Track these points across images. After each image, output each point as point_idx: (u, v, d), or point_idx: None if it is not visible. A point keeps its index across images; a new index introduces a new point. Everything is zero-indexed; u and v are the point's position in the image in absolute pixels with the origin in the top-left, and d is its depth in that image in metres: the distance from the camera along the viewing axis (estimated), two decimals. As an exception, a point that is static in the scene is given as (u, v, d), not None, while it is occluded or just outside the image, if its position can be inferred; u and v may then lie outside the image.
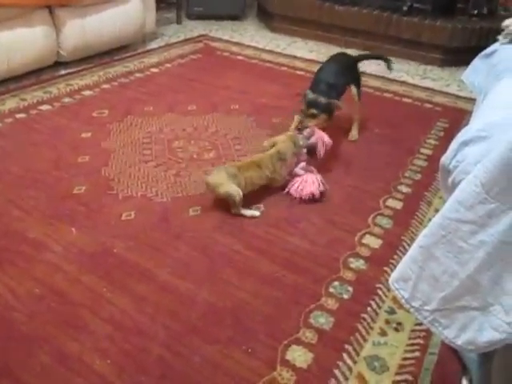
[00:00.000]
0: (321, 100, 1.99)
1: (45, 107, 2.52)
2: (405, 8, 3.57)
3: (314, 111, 2.00)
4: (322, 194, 1.85)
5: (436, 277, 0.89)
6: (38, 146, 2.15)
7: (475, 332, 0.85)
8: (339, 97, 2.15)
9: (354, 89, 2.34)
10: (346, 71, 2.26)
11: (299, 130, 2.00)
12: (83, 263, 1.52)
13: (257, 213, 1.76)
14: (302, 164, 1.91)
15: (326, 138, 1.94)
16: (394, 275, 0.98)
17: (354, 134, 2.37)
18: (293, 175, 1.90)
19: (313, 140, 1.92)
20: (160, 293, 1.42)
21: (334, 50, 3.74)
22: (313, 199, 1.84)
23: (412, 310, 0.94)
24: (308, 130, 1.94)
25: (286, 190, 1.88)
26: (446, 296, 0.88)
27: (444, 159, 1.30)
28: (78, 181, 1.92)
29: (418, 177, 2.08)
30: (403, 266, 0.96)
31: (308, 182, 1.84)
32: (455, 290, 0.86)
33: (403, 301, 0.96)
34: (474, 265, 0.83)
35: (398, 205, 1.89)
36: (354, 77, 2.36)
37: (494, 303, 0.83)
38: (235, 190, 1.71)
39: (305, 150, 1.92)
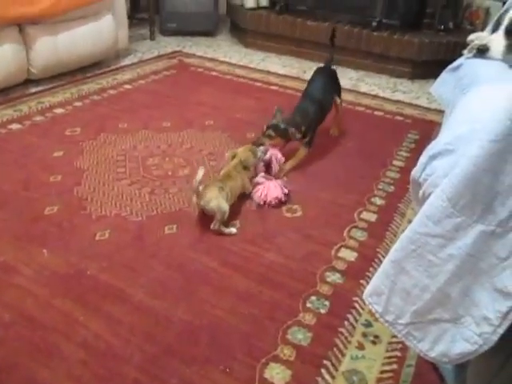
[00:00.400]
0: (280, 126, 2.11)
1: (15, 126, 2.48)
2: (374, 23, 3.65)
3: (270, 133, 2.12)
4: (286, 195, 1.94)
5: (407, 290, 0.90)
6: (7, 166, 2.10)
7: (448, 344, 0.87)
8: (316, 127, 2.29)
9: (337, 99, 2.51)
10: (327, 95, 2.38)
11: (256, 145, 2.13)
12: (55, 286, 1.48)
13: (234, 230, 1.76)
14: (262, 173, 2.02)
15: (279, 155, 2.10)
16: (367, 290, 0.99)
17: (334, 130, 2.60)
18: (254, 184, 1.97)
19: (267, 156, 2.07)
20: (135, 314, 1.40)
21: (307, 64, 3.80)
22: (279, 203, 1.92)
23: (386, 324, 0.95)
24: (262, 147, 2.06)
25: (251, 198, 1.95)
26: (418, 309, 0.89)
27: (414, 173, 1.32)
28: (49, 201, 1.88)
29: (392, 189, 2.12)
30: (376, 281, 0.97)
31: (271, 188, 1.92)
32: (426, 303, 0.87)
33: (377, 315, 0.97)
34: (443, 278, 0.84)
35: (373, 217, 1.91)
36: (336, 89, 2.51)
37: (465, 315, 0.84)
38: (226, 206, 1.74)
39: (262, 164, 2.06)
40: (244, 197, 1.95)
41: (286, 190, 1.95)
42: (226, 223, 1.77)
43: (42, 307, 1.40)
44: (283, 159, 2.12)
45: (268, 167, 2.08)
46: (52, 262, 1.57)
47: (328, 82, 2.42)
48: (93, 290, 1.47)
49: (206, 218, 1.78)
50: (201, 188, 1.73)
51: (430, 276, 0.86)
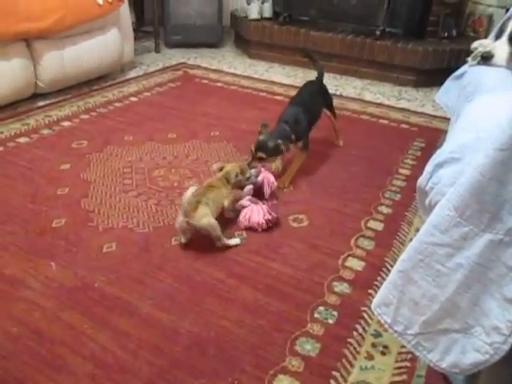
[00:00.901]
0: (269, 144, 2.00)
1: (22, 139, 2.50)
2: (377, 32, 3.67)
3: (261, 155, 2.01)
4: (269, 221, 1.83)
5: (416, 301, 0.89)
6: (14, 180, 2.12)
7: (458, 354, 0.86)
8: (308, 129, 2.23)
9: (327, 112, 2.48)
10: (314, 101, 2.33)
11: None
12: (63, 299, 1.48)
13: (238, 240, 1.75)
14: (248, 196, 1.92)
15: (272, 179, 2.01)
16: (375, 300, 0.98)
17: (338, 141, 2.60)
18: (240, 207, 1.89)
19: (259, 179, 1.98)
20: (142, 327, 1.39)
21: (311, 74, 3.81)
22: (263, 228, 1.83)
23: (395, 334, 0.95)
24: (254, 169, 1.98)
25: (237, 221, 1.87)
26: (427, 320, 0.88)
27: (420, 181, 1.32)
28: (56, 214, 1.89)
29: (398, 197, 2.11)
30: (384, 291, 0.96)
31: (254, 212, 1.84)
32: (436, 313, 0.87)
33: (386, 325, 0.96)
34: (452, 287, 0.84)
35: (379, 226, 1.91)
36: (325, 101, 2.47)
37: (475, 325, 0.84)
38: (215, 221, 1.68)
39: (251, 186, 1.94)
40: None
41: (271, 216, 1.83)
42: (231, 234, 1.77)
43: (50, 320, 1.40)
44: (275, 184, 2.03)
45: (259, 191, 1.98)
46: (59, 274, 1.58)
47: (316, 92, 2.40)
48: (100, 302, 1.47)
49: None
50: (188, 206, 1.65)
51: (439, 286, 0.86)
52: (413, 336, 0.91)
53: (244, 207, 1.88)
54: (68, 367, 1.26)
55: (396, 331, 0.94)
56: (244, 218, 1.85)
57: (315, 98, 2.36)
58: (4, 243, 1.71)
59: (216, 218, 1.70)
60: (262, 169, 2.03)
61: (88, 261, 1.64)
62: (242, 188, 1.93)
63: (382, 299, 0.96)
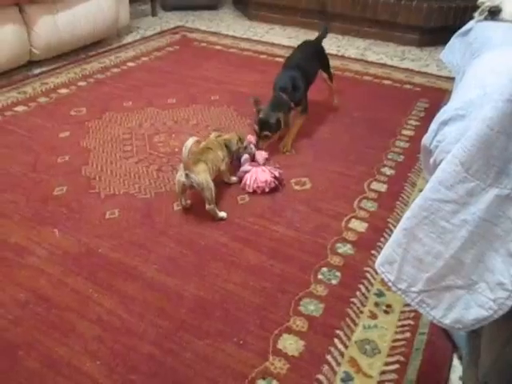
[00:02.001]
0: (271, 121, 1.99)
1: (20, 108, 2.47)
2: (380, -11, 3.54)
3: (267, 133, 2.01)
4: (276, 179, 1.84)
5: (420, 258, 0.89)
6: (14, 148, 2.10)
7: (462, 310, 0.86)
8: (306, 92, 2.20)
9: (324, 73, 2.43)
10: (310, 63, 2.27)
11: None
12: (68, 265, 1.49)
13: (225, 214, 1.70)
14: (248, 162, 1.91)
15: (263, 153, 1.98)
16: (379, 259, 0.98)
17: (335, 101, 2.55)
18: (241, 174, 1.88)
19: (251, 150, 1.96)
20: (147, 290, 1.41)
21: (313, 35, 3.71)
22: (271, 188, 1.83)
23: (399, 292, 0.95)
24: (246, 141, 1.96)
25: (242, 187, 1.86)
26: (431, 276, 0.88)
27: (424, 140, 1.29)
28: (58, 181, 1.88)
29: (401, 158, 2.09)
30: (388, 249, 0.96)
31: (259, 173, 1.83)
32: (440, 270, 0.86)
33: (390, 284, 0.96)
34: (457, 244, 0.83)
35: (383, 187, 1.89)
36: (322, 62, 2.41)
37: (479, 281, 0.83)
38: (212, 183, 1.66)
39: (247, 156, 1.92)
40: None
41: (277, 173, 1.84)
42: (236, 196, 1.76)
43: (56, 286, 1.41)
44: (267, 154, 1.99)
45: (252, 160, 1.94)
46: (63, 241, 1.58)
47: (313, 53, 2.33)
48: (104, 268, 1.48)
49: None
50: (189, 160, 1.64)
51: (443, 243, 0.85)
52: (416, 293, 0.92)
53: (247, 172, 1.87)
54: (76, 331, 1.28)
55: (399, 289, 0.94)
56: (250, 179, 1.83)
57: (311, 60, 2.29)
58: (6, 212, 1.71)
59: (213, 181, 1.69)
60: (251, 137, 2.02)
61: (91, 227, 1.65)
62: (238, 158, 1.92)
63: (386, 257, 0.96)
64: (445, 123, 1.25)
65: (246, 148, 1.93)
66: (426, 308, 0.91)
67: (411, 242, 0.90)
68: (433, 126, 1.29)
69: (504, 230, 0.79)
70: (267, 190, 1.82)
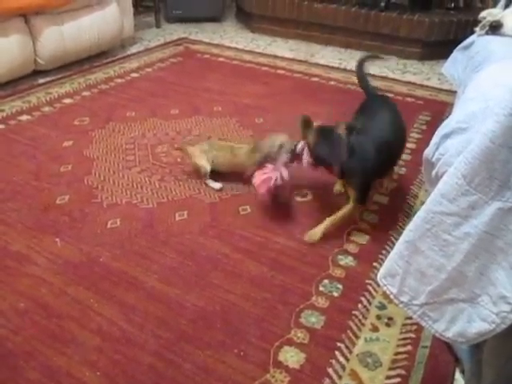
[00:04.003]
0: (320, 153, 1.66)
1: (24, 117, 2.48)
2: (382, 4, 3.59)
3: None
4: (275, 188, 1.69)
5: (422, 271, 0.88)
6: (17, 158, 2.11)
7: (465, 324, 0.85)
8: (369, 177, 1.68)
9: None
10: (398, 141, 1.79)
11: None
12: (69, 274, 1.49)
13: (218, 185, 1.92)
14: (280, 163, 1.74)
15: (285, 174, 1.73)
16: (381, 271, 0.98)
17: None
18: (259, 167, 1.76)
19: (299, 147, 1.74)
20: (148, 300, 1.40)
21: (314, 47, 3.76)
22: (268, 191, 1.70)
23: (401, 305, 0.94)
24: (300, 144, 1.74)
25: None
26: (434, 289, 0.88)
27: (427, 153, 1.30)
28: (60, 190, 1.89)
29: (403, 171, 2.09)
30: (390, 262, 0.95)
31: (260, 176, 1.69)
32: (442, 282, 0.86)
33: (392, 296, 0.96)
34: (459, 257, 0.83)
35: (384, 200, 1.90)
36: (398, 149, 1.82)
37: (482, 294, 0.83)
38: (203, 164, 1.91)
39: (286, 156, 1.75)
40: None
41: (280, 180, 1.68)
42: (238, 207, 1.77)
43: (57, 295, 1.41)
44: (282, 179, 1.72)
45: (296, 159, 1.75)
46: (65, 250, 1.58)
47: (398, 127, 1.78)
48: (106, 277, 1.48)
49: (215, 205, 1.78)
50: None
51: (446, 255, 0.85)
52: (419, 306, 0.91)
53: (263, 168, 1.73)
54: (76, 341, 1.27)
55: (402, 302, 0.94)
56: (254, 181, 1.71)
57: (398, 136, 1.77)
58: (8, 220, 1.71)
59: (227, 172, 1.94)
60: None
61: (93, 236, 1.65)
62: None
63: (388, 270, 0.96)
64: (447, 136, 1.25)
65: (281, 149, 1.75)
66: (428, 321, 0.91)
67: (413, 255, 0.90)
68: (435, 139, 1.30)
69: (506, 243, 0.79)
70: (263, 190, 1.68)
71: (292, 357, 1.24)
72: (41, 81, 2.94)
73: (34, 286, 1.44)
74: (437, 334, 0.90)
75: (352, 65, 3.39)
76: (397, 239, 1.59)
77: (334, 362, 1.23)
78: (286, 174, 1.70)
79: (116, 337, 1.29)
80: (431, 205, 0.85)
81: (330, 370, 1.21)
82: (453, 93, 2.53)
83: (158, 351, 1.25)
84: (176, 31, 4.11)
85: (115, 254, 1.57)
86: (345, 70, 3.30)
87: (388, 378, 1.20)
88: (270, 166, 1.72)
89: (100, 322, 1.33)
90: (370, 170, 1.60)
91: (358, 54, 3.63)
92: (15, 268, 1.50)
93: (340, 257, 1.59)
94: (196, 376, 1.19)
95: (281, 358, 1.24)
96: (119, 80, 3.00)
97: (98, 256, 1.56)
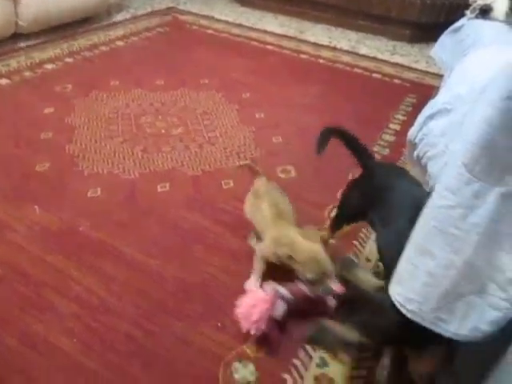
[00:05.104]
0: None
1: (3, 81, 2.41)
2: (375, -18, 3.53)
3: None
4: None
5: (431, 272, 0.85)
6: (-4, 122, 2.06)
7: (477, 317, 0.83)
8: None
9: None
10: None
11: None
12: (48, 243, 1.47)
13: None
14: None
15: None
16: (391, 282, 0.92)
17: None
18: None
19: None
20: (128, 271, 1.40)
21: (305, 24, 3.71)
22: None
23: (409, 314, 0.88)
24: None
25: None
26: (444, 290, 0.84)
27: (410, 133, 1.30)
28: (40, 158, 1.85)
29: (387, 152, 2.10)
30: (397, 269, 0.91)
31: (248, 306, 1.21)
32: (452, 280, 0.83)
33: (398, 305, 0.89)
34: (469, 250, 0.79)
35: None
36: None
37: (489, 282, 0.80)
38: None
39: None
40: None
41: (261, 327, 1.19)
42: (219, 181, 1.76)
43: (35, 263, 1.40)
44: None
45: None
46: (44, 218, 1.56)
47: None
48: (85, 246, 1.47)
49: (198, 178, 1.77)
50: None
51: (455, 251, 0.81)
52: (429, 312, 0.86)
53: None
54: (53, 308, 1.27)
55: (410, 310, 0.88)
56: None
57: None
58: (-14, 186, 1.68)
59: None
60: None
61: (73, 205, 1.63)
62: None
63: (395, 279, 0.91)
64: (431, 117, 1.26)
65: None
66: (441, 325, 0.86)
67: (420, 257, 0.86)
68: (419, 119, 1.30)
69: (510, 227, 0.78)
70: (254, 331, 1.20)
71: (269, 329, 1.26)
72: (22, 44, 2.85)
73: (12, 252, 1.42)
74: (449, 334, 0.85)
75: (342, 44, 3.37)
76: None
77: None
78: (281, 309, 1.24)
79: (94, 305, 1.29)
80: (435, 200, 0.83)
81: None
82: (440, 76, 2.53)
83: (137, 321, 1.25)
84: (164, 0, 4.00)
85: (95, 223, 1.56)
86: (334, 48, 3.27)
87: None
88: (264, 293, 1.24)
89: (78, 290, 1.33)
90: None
91: (349, 34, 3.60)
92: (-8, 234, 1.48)
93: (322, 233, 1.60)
94: (174, 346, 1.20)
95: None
96: (104, 48, 2.92)
97: (78, 225, 1.54)
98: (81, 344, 1.18)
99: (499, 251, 0.79)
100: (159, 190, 1.74)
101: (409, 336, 0.95)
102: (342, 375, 1.17)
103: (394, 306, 0.91)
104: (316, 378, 1.16)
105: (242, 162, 1.62)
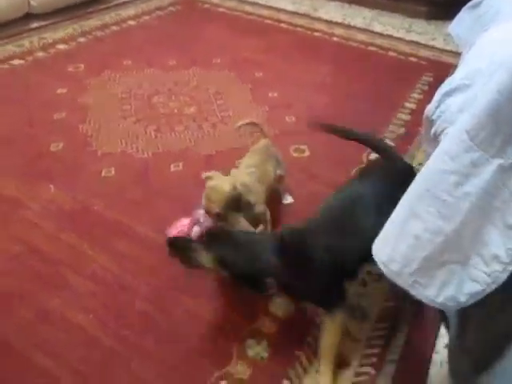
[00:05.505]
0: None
1: (17, 62, 2.41)
2: (392, -43, 3.44)
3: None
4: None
5: (418, 235, 0.84)
6: (11, 103, 2.07)
7: (456, 287, 0.83)
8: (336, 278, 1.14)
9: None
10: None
11: None
12: (62, 221, 1.49)
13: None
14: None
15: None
16: (376, 243, 0.94)
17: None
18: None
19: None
20: (141, 249, 1.41)
21: (318, 2, 3.63)
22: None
23: (391, 274, 0.89)
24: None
25: None
26: (428, 255, 0.84)
27: (427, 110, 1.27)
28: (54, 138, 1.86)
29: (402, 131, 2.07)
30: (385, 228, 0.92)
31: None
32: (438, 246, 0.83)
33: (381, 265, 0.91)
34: (459, 219, 0.80)
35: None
36: None
37: (473, 255, 0.81)
38: None
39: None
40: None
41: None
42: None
43: (50, 240, 1.42)
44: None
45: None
46: (58, 197, 1.58)
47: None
48: (99, 225, 1.48)
49: (211, 157, 1.76)
50: None
51: (445, 218, 0.81)
52: (409, 274, 0.87)
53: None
54: (69, 285, 1.29)
55: (391, 270, 0.89)
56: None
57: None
58: (1, 164, 1.69)
59: None
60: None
61: (86, 184, 1.64)
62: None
63: (381, 237, 0.93)
64: (449, 94, 1.22)
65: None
66: (418, 289, 0.86)
67: (409, 219, 0.86)
68: (436, 96, 1.27)
69: (503, 202, 0.77)
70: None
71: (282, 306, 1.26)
72: (34, 25, 2.84)
73: (27, 230, 1.44)
74: (426, 300, 0.86)
75: (356, 21, 3.29)
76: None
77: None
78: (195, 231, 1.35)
79: (109, 283, 1.30)
80: (433, 163, 0.83)
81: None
82: (457, 54, 2.46)
83: (150, 297, 1.27)
84: (175, -22, 3.94)
85: (109, 202, 1.57)
86: (348, 26, 3.20)
87: (375, 330, 1.23)
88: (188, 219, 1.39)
89: (93, 268, 1.34)
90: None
91: (363, 11, 3.52)
92: (9, 213, 1.50)
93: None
94: (188, 323, 1.21)
95: (272, 308, 1.26)
96: (115, 27, 2.91)
97: (92, 204, 1.56)
98: (97, 320, 1.20)
99: (489, 225, 0.79)
100: (172, 169, 1.74)
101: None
102: (355, 352, 1.17)
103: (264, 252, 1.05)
104: (328, 356, 1.16)
105: (246, 120, 1.57)
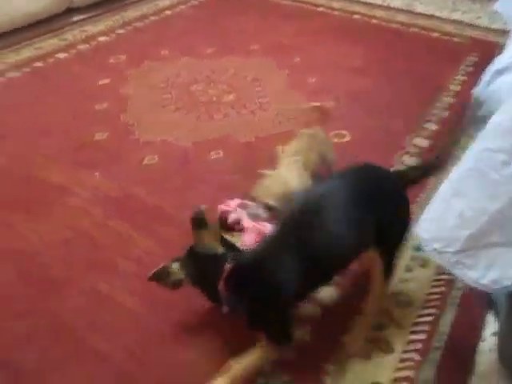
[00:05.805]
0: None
1: (61, 55, 2.49)
2: None
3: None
4: None
5: (462, 214, 0.83)
6: (56, 95, 2.14)
7: (502, 269, 0.81)
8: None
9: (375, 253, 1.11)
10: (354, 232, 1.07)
11: None
12: (109, 207, 1.54)
13: None
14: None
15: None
16: (420, 221, 0.93)
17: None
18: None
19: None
20: (184, 235, 1.42)
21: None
22: None
23: (432, 252, 0.88)
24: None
25: None
26: (473, 234, 0.82)
27: (476, 91, 1.23)
28: (97, 128, 1.91)
29: (446, 114, 2.01)
30: (430, 205, 0.91)
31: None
32: (483, 226, 0.81)
33: (423, 243, 0.90)
34: (505, 198, 0.78)
35: (424, 143, 1.83)
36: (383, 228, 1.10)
37: None
38: None
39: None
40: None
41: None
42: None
43: (99, 227, 1.47)
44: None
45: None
46: (104, 184, 1.63)
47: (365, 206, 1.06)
48: (143, 211, 1.52)
49: (250, 144, 1.77)
50: None
51: (491, 196, 0.80)
52: (452, 253, 0.85)
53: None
54: (117, 269, 1.34)
55: (434, 249, 0.87)
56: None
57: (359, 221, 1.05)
58: (48, 154, 1.76)
59: None
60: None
61: (130, 172, 1.68)
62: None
63: (426, 214, 0.91)
64: (499, 73, 1.18)
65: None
66: (462, 269, 0.85)
67: (454, 197, 0.85)
68: (486, 76, 1.22)
69: None
70: None
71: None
72: (75, 18, 2.92)
73: (78, 217, 1.50)
74: (470, 281, 0.85)
75: (396, 2, 3.19)
76: (434, 183, 1.55)
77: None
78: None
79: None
80: (481, 140, 0.81)
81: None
82: (504, 33, 2.35)
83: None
84: (211, -34, 3.94)
85: (152, 189, 1.61)
86: (388, 7, 3.11)
87: (420, 316, 1.21)
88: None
89: (139, 253, 1.38)
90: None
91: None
92: (59, 200, 1.56)
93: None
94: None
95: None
96: (153, 18, 2.94)
97: (135, 191, 1.60)
98: (145, 302, 1.24)
99: None
100: (212, 156, 1.75)
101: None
102: (399, 338, 1.16)
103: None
104: (372, 341, 1.16)
105: (314, 103, 1.60)
